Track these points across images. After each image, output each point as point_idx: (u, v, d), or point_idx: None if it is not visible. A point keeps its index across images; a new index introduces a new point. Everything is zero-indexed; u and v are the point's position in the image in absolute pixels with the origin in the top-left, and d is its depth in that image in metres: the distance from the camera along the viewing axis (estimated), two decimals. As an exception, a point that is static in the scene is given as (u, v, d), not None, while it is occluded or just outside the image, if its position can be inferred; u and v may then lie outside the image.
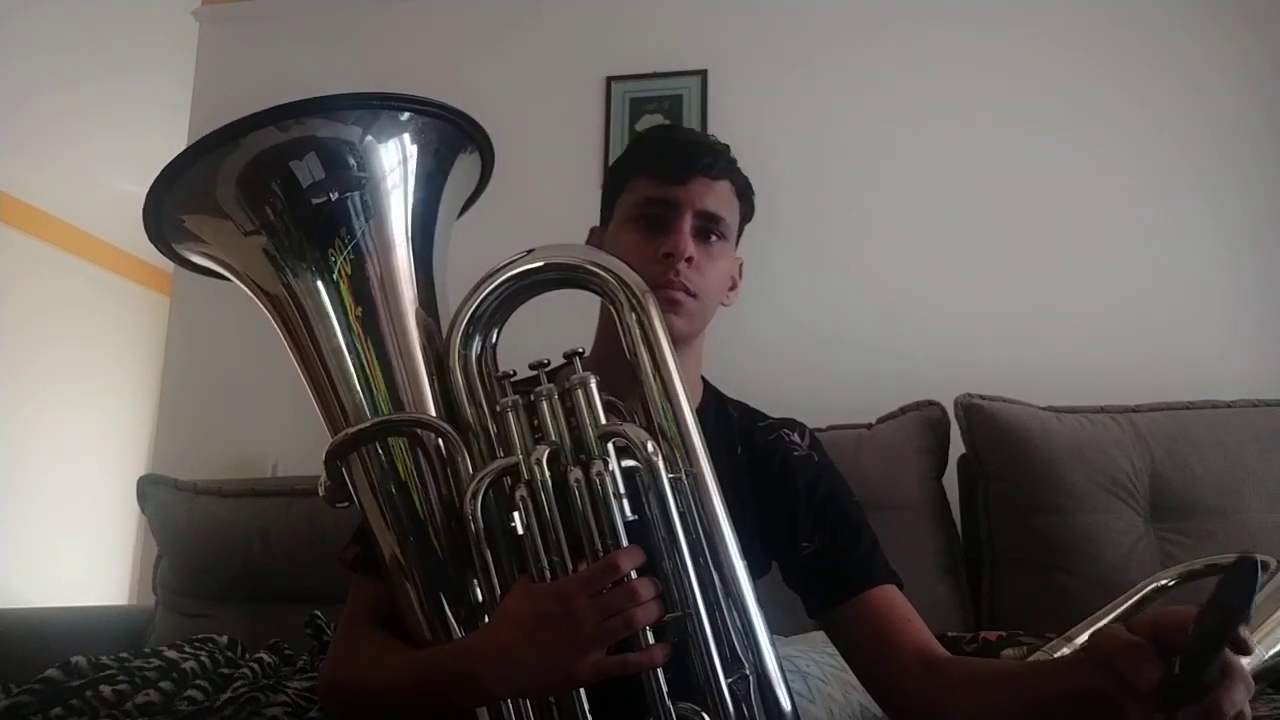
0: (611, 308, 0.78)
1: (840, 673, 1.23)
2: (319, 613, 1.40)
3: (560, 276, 0.80)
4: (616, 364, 0.80)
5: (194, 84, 2.50)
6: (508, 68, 2.29)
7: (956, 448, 1.73)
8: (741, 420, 1.03)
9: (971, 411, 1.67)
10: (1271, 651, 0.95)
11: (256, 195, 0.78)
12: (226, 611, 1.75)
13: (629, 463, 0.71)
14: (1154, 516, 1.58)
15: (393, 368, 0.79)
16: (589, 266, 0.79)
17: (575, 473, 0.70)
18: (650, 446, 0.70)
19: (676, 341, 0.81)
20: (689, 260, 0.90)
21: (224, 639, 1.43)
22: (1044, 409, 1.66)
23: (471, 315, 0.78)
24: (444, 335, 0.80)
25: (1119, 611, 1.19)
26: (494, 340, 0.81)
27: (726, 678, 0.68)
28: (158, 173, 0.77)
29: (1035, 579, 1.57)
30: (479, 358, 0.79)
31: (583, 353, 0.76)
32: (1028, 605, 1.54)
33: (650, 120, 2.22)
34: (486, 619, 0.74)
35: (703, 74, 2.22)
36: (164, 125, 2.84)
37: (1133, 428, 1.62)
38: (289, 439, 2.13)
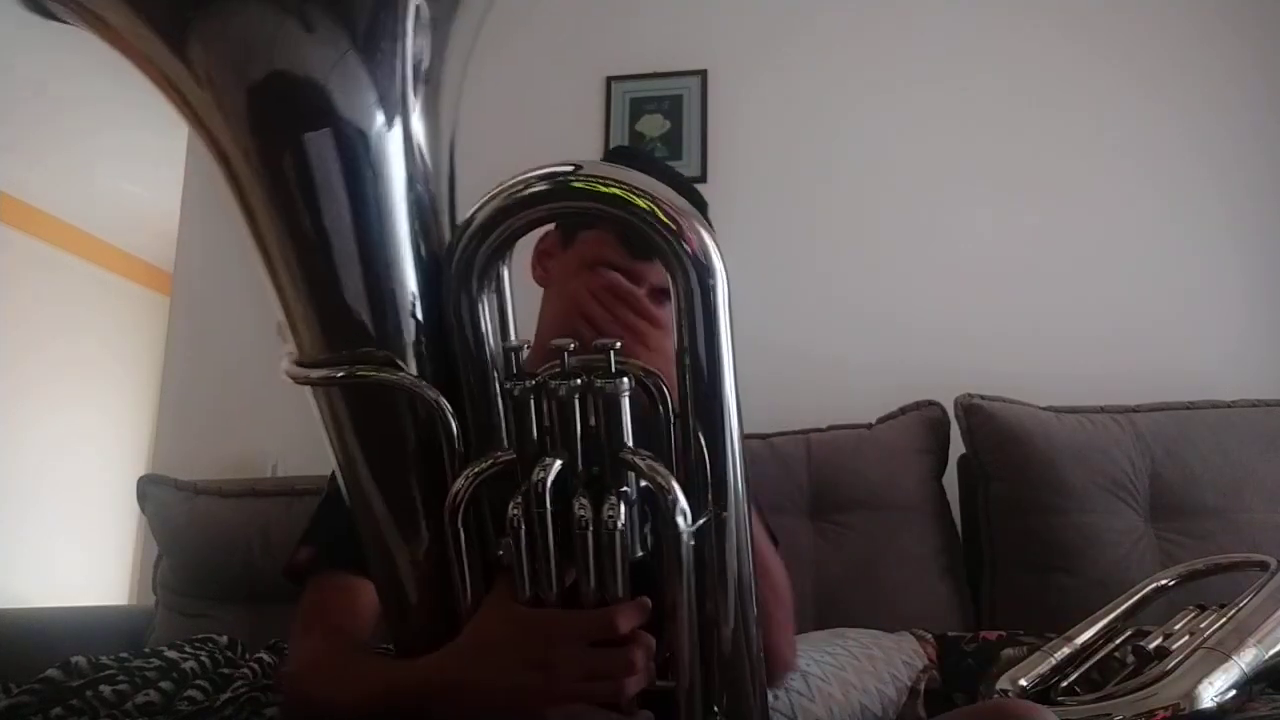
0: (665, 268, 0.60)
1: (840, 672, 1.23)
2: (319, 613, 1.40)
3: (579, 204, 0.59)
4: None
5: (194, 84, 2.49)
6: (508, 68, 2.29)
7: (956, 448, 1.72)
8: None
9: (971, 411, 1.67)
10: (1272, 651, 0.95)
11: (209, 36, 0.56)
12: (226, 611, 1.75)
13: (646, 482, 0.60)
14: (1154, 516, 1.58)
15: (380, 284, 0.60)
16: (629, 193, 0.58)
17: (582, 503, 0.58)
18: (678, 501, 0.58)
19: None
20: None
21: (224, 639, 1.43)
22: (1044, 409, 1.66)
23: (477, 246, 0.60)
24: (445, 244, 0.62)
25: (1119, 611, 1.19)
26: (503, 284, 0.64)
27: None
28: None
29: (1035, 579, 1.57)
30: (485, 308, 0.62)
31: (618, 346, 0.61)
32: (1028, 605, 1.54)
33: (650, 120, 2.22)
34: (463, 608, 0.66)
35: (703, 74, 2.22)
36: (164, 125, 2.84)
37: (1133, 428, 1.62)
38: (289, 439, 2.13)
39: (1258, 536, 1.48)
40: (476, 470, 0.60)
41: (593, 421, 0.60)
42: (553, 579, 0.60)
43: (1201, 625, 1.02)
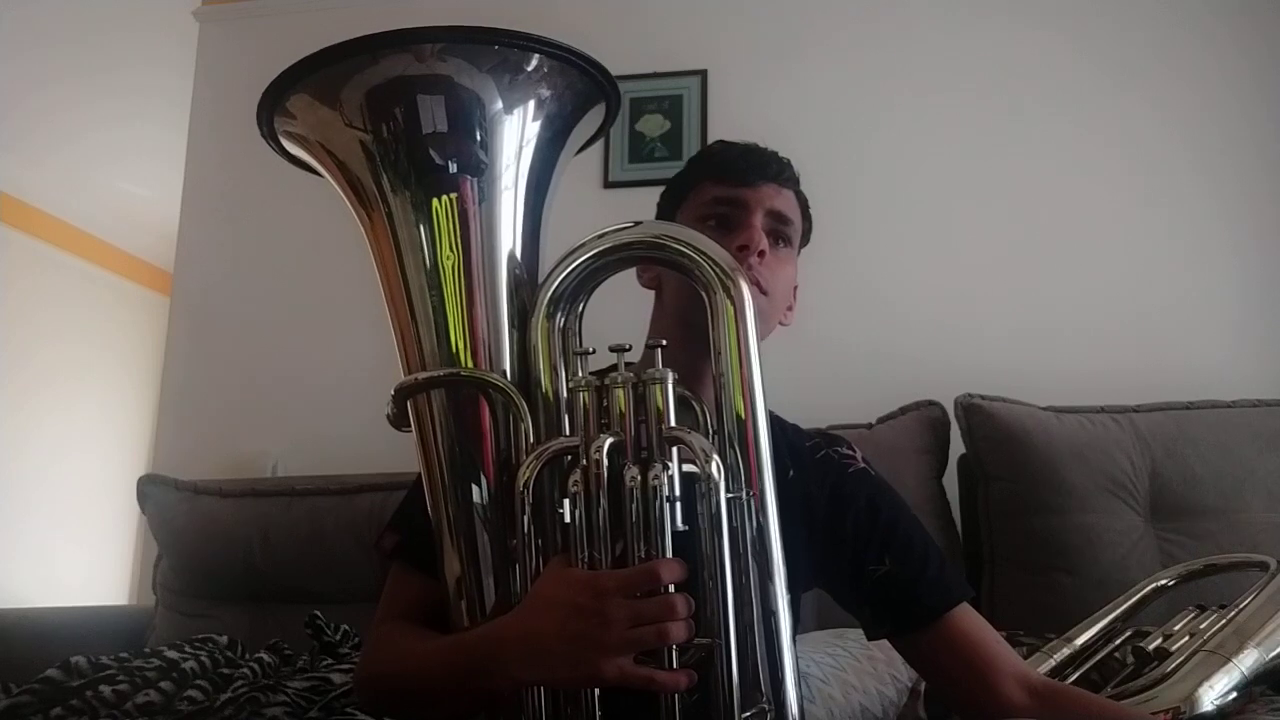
0: (703, 291, 0.74)
1: (840, 673, 1.23)
2: (319, 613, 1.40)
3: (646, 252, 0.78)
4: (671, 354, 0.78)
5: (194, 84, 2.49)
6: (508, 68, 2.29)
7: (956, 448, 1.73)
8: (789, 438, 1.00)
9: (971, 411, 1.67)
10: (1272, 654, 0.95)
11: (378, 113, 0.78)
12: (226, 611, 1.75)
13: (690, 467, 0.69)
14: (1154, 516, 1.58)
15: (476, 319, 0.78)
16: (674, 243, 0.75)
17: (633, 471, 0.68)
18: (715, 465, 0.68)
19: None
20: (761, 255, 0.89)
21: (224, 639, 1.43)
22: (1044, 409, 1.66)
23: (559, 285, 0.76)
24: (533, 295, 0.79)
25: (1119, 611, 1.19)
26: (580, 310, 0.79)
27: (742, 710, 0.67)
28: (290, 64, 0.77)
29: (1035, 579, 1.57)
30: (563, 329, 0.77)
31: (665, 345, 0.74)
32: (1028, 605, 1.54)
33: (651, 120, 2.21)
34: (522, 587, 0.73)
35: (703, 74, 2.22)
36: (164, 125, 2.84)
37: (1133, 428, 1.62)
38: (289, 439, 2.13)
39: (1258, 536, 1.48)
40: (542, 450, 0.72)
41: (643, 409, 0.71)
42: (603, 544, 0.68)
43: (1201, 626, 1.02)
